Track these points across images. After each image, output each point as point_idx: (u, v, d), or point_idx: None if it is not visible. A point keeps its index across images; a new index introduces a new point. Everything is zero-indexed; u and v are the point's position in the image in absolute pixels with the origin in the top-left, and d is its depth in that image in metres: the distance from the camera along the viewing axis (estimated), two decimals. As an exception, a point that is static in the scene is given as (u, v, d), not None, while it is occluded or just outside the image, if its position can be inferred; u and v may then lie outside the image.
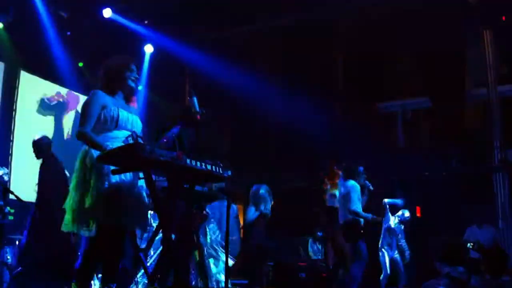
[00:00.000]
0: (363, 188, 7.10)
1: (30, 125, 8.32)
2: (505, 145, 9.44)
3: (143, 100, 10.14)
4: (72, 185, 3.45)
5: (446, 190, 10.50)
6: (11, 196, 6.23)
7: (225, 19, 9.81)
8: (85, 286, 3.45)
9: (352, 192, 6.81)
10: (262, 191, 6.59)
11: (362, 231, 6.79)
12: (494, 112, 9.59)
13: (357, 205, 6.76)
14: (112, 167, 3.37)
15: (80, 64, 9.21)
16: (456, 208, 10.00)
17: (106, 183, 3.37)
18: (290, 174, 10.21)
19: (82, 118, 3.48)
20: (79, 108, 8.63)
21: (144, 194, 3.62)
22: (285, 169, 10.22)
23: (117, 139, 3.46)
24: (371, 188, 7.16)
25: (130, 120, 3.61)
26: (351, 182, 6.92)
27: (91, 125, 3.45)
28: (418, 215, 10.89)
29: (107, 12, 8.87)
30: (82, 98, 9.37)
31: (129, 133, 3.49)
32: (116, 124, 3.50)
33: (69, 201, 3.40)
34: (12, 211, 6.26)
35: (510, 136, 9.77)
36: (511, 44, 10.33)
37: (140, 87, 9.75)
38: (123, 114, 3.56)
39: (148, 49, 10.08)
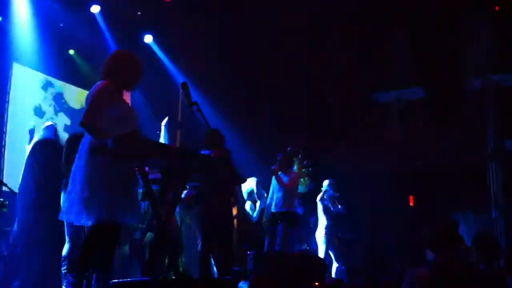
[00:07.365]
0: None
1: (23, 117, 8.28)
2: (499, 134, 9.47)
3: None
4: (70, 175, 3.47)
5: (440, 179, 10.54)
6: (4, 188, 6.25)
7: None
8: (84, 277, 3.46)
9: None
10: None
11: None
12: (489, 101, 9.61)
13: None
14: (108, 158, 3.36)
15: (71, 52, 9.12)
16: (450, 197, 10.04)
17: (104, 174, 3.37)
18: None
19: (89, 108, 3.42)
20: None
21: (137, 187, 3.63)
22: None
23: None
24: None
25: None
26: None
27: (96, 115, 3.39)
28: (411, 204, 10.95)
29: (95, 9, 8.81)
30: (75, 90, 9.33)
31: None
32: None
33: (68, 190, 3.42)
34: (6, 203, 6.23)
35: (504, 125, 9.79)
36: (506, 33, 10.33)
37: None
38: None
39: (148, 39, 9.96)
